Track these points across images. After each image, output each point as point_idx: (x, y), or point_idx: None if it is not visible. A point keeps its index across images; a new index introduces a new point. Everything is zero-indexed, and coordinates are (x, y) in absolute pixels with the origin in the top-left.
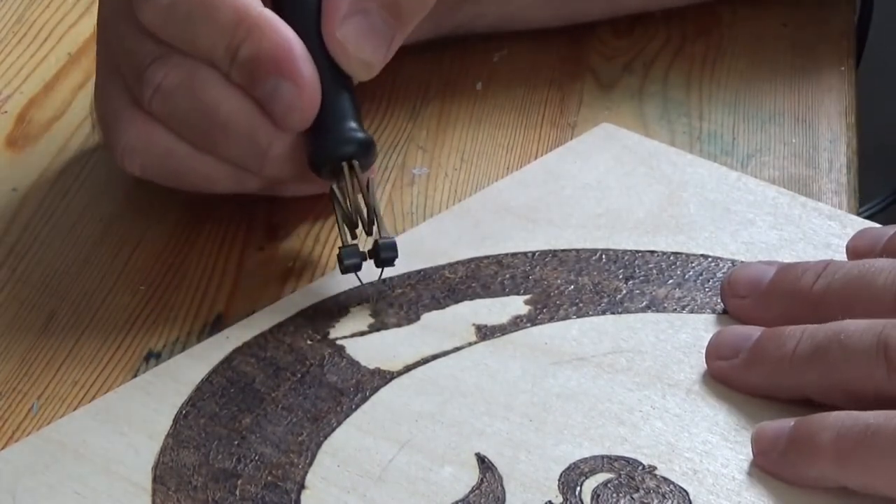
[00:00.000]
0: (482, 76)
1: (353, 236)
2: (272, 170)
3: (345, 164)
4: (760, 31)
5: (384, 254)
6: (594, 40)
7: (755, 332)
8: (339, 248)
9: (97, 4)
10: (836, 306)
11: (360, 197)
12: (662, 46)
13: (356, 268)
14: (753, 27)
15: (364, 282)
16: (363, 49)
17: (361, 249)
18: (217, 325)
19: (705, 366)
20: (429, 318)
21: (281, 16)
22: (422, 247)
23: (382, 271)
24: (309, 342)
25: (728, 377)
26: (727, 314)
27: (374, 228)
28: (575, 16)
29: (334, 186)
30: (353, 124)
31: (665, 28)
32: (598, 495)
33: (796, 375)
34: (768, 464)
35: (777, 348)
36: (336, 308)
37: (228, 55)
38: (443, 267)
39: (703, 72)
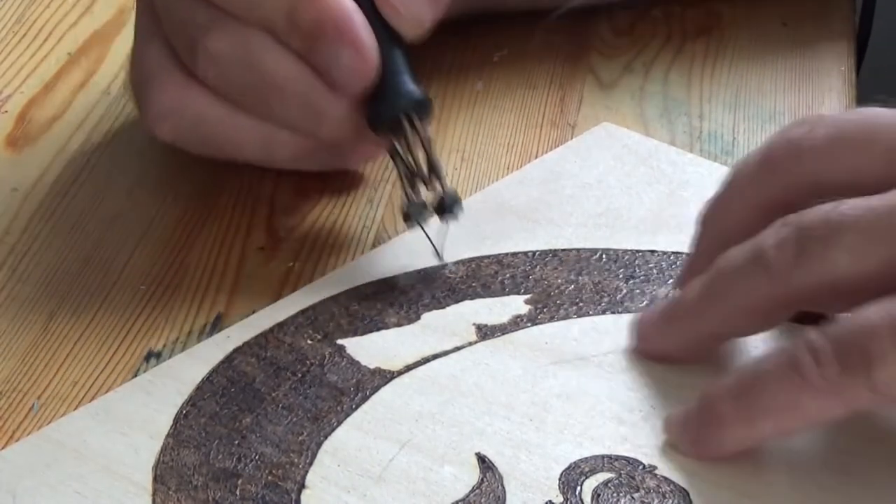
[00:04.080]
0: (482, 76)
1: (416, 190)
2: (330, 131)
3: (404, 118)
4: (760, 31)
5: (450, 205)
6: (594, 39)
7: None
8: (405, 203)
9: (97, 3)
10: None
11: (420, 152)
12: (663, 46)
13: (423, 220)
14: (753, 27)
15: (429, 235)
16: (412, 5)
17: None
18: (217, 324)
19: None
20: (429, 317)
21: None
22: (422, 246)
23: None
24: (309, 342)
25: (650, 349)
26: None
27: (436, 182)
28: None
29: (395, 142)
30: (408, 80)
31: (665, 27)
32: (599, 495)
33: (698, 320)
34: (694, 447)
35: (677, 305)
36: (336, 308)
37: (288, 22)
38: (443, 266)
39: (704, 71)
